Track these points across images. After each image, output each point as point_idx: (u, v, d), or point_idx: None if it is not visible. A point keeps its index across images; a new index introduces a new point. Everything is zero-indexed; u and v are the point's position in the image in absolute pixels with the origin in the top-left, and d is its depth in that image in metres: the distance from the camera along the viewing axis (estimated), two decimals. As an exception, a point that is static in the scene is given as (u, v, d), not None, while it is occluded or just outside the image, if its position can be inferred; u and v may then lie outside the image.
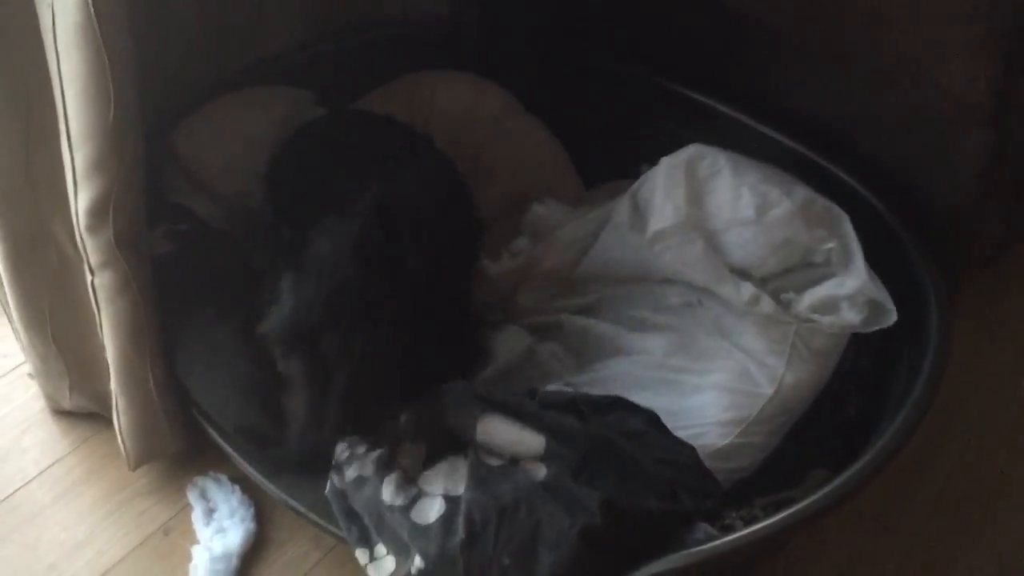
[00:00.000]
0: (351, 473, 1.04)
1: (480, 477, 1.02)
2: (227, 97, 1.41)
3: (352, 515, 1.04)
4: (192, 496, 1.27)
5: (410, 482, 1.04)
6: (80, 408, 1.35)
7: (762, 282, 1.20)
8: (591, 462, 1.01)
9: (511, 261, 1.38)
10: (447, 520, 0.99)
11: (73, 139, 1.01)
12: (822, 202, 1.22)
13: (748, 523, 0.99)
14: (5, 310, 1.28)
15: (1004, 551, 1.28)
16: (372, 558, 1.02)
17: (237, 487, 1.27)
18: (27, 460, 1.34)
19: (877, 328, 1.14)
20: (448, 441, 1.07)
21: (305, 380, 1.02)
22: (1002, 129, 1.18)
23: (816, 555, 1.24)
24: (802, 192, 1.22)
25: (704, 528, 0.98)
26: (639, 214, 1.27)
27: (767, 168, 1.25)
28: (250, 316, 1.16)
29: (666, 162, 1.27)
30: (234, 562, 1.19)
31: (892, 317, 1.13)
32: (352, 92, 1.57)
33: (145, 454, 1.25)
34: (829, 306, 1.16)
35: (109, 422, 1.29)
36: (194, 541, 1.22)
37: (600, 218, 1.33)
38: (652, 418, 1.08)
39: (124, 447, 1.23)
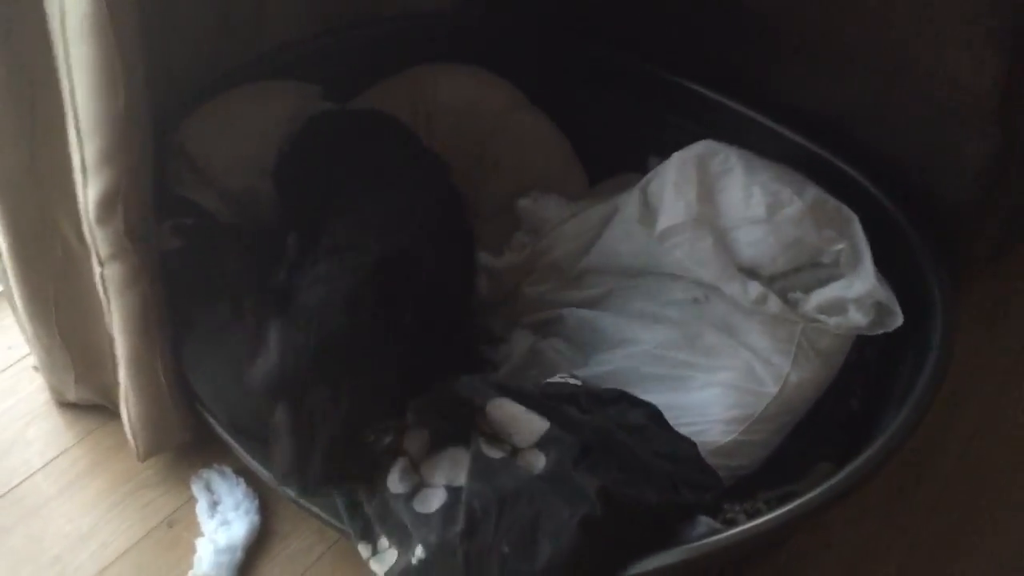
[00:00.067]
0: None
1: (481, 468, 1.02)
2: (234, 91, 1.41)
3: (356, 509, 1.04)
4: (196, 488, 1.27)
5: (414, 470, 1.04)
6: (85, 400, 1.36)
7: (770, 281, 1.20)
8: (591, 453, 1.02)
9: (515, 256, 1.38)
10: (448, 510, 0.99)
11: (82, 130, 1.01)
12: (832, 202, 1.22)
13: (751, 517, 1.00)
14: (10, 302, 1.28)
15: (1007, 547, 1.28)
16: (375, 552, 1.02)
17: (242, 480, 1.27)
18: (32, 452, 1.34)
19: (883, 331, 1.14)
20: (451, 431, 1.07)
21: (290, 430, 0.98)
22: (1008, 126, 1.18)
23: (820, 549, 1.24)
24: (813, 192, 1.22)
25: (707, 522, 0.98)
26: (648, 209, 1.28)
27: (778, 166, 1.25)
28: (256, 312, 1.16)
29: (677, 157, 1.27)
30: (238, 555, 1.19)
31: (898, 320, 1.13)
32: (357, 85, 1.58)
33: (154, 446, 1.25)
34: (836, 307, 1.16)
35: (114, 414, 1.30)
36: (198, 533, 1.22)
37: (607, 211, 1.34)
38: (653, 412, 1.08)
39: (133, 439, 1.24)
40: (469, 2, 1.70)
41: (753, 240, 1.20)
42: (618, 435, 1.04)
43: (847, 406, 1.17)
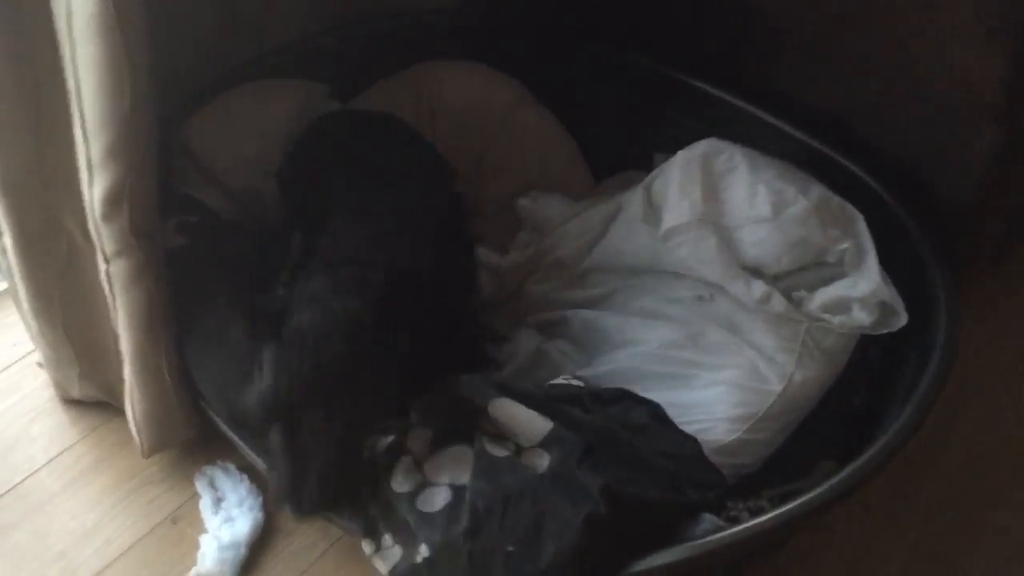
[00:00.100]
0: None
1: (484, 467, 1.02)
2: (239, 89, 1.42)
3: (359, 506, 1.03)
4: (200, 485, 1.28)
5: (417, 469, 1.04)
6: (89, 397, 1.36)
7: (774, 280, 1.20)
8: (594, 452, 1.02)
9: (519, 255, 1.39)
10: (452, 509, 0.99)
11: (88, 129, 1.02)
12: (837, 201, 1.21)
13: (754, 515, 1.00)
14: (15, 299, 1.28)
15: (1009, 547, 1.28)
16: (379, 548, 1.02)
17: (245, 476, 1.27)
18: (36, 448, 1.35)
19: (887, 331, 1.14)
20: (454, 429, 1.08)
21: (284, 453, 0.98)
22: (1011, 126, 1.18)
23: (823, 547, 1.24)
24: (818, 191, 1.22)
25: (710, 519, 0.98)
26: (653, 207, 1.28)
27: (782, 165, 1.25)
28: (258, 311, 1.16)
29: (681, 156, 1.27)
30: (242, 551, 1.20)
31: (902, 320, 1.13)
32: (360, 83, 1.58)
33: (158, 442, 1.25)
34: (840, 306, 1.16)
35: (118, 411, 1.30)
36: (202, 530, 1.23)
37: (611, 210, 1.34)
38: (655, 411, 1.09)
39: (137, 435, 1.24)
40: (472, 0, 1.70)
41: (758, 239, 1.20)
42: (621, 434, 1.04)
43: (851, 405, 1.17)
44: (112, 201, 1.05)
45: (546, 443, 1.03)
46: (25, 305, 1.25)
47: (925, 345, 1.12)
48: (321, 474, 0.96)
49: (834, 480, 0.98)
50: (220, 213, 1.34)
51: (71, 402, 1.39)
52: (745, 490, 1.06)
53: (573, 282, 1.35)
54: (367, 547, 1.03)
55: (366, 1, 1.64)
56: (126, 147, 1.02)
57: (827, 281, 1.19)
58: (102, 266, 1.12)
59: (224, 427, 1.16)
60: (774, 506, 0.99)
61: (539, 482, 0.99)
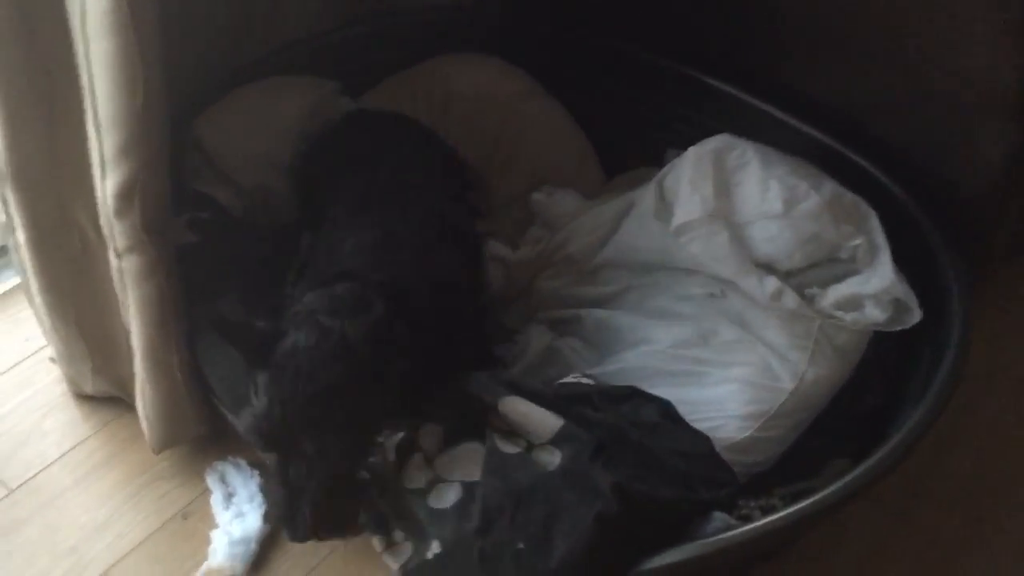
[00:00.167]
0: (372, 459, 1.05)
1: (496, 464, 1.02)
2: (251, 86, 1.42)
3: (370, 502, 1.04)
4: (211, 481, 1.28)
5: (429, 466, 1.04)
6: (101, 392, 1.36)
7: (786, 276, 1.20)
8: (605, 450, 1.02)
9: (530, 250, 1.38)
10: (463, 506, 1.00)
11: (101, 124, 1.02)
12: (850, 197, 1.21)
13: (766, 513, 1.00)
14: (28, 294, 1.29)
15: (1023, 544, 1.27)
16: (390, 544, 1.02)
17: (256, 472, 1.27)
18: (48, 443, 1.35)
19: (900, 328, 1.14)
20: (465, 426, 1.08)
21: (280, 478, 0.97)
22: (1025, 121, 1.18)
23: (835, 545, 1.23)
24: (830, 186, 1.21)
25: (722, 517, 0.98)
26: (664, 203, 1.27)
27: (795, 161, 1.25)
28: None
29: (693, 151, 1.26)
30: (252, 546, 1.20)
31: (916, 317, 1.13)
32: (373, 79, 1.58)
33: (169, 438, 1.26)
34: (853, 303, 1.16)
35: (130, 406, 1.31)
36: (213, 525, 1.23)
37: (623, 206, 1.33)
38: (666, 408, 1.08)
39: (148, 430, 1.24)
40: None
41: (770, 235, 1.20)
42: (632, 432, 1.04)
43: (863, 402, 1.17)
44: (124, 197, 1.05)
45: (557, 440, 1.03)
46: (38, 300, 1.25)
47: (938, 342, 1.11)
48: (314, 502, 0.95)
49: (846, 479, 0.97)
50: (231, 210, 1.34)
51: (83, 397, 1.40)
52: (757, 488, 1.06)
53: (584, 278, 1.35)
54: (378, 543, 1.03)
55: (378, -3, 1.64)
56: (138, 143, 1.02)
57: (840, 278, 1.18)
58: (114, 261, 1.12)
59: (235, 423, 1.17)
60: (786, 504, 0.99)
61: (550, 479, 0.99)
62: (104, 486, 1.30)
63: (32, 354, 1.47)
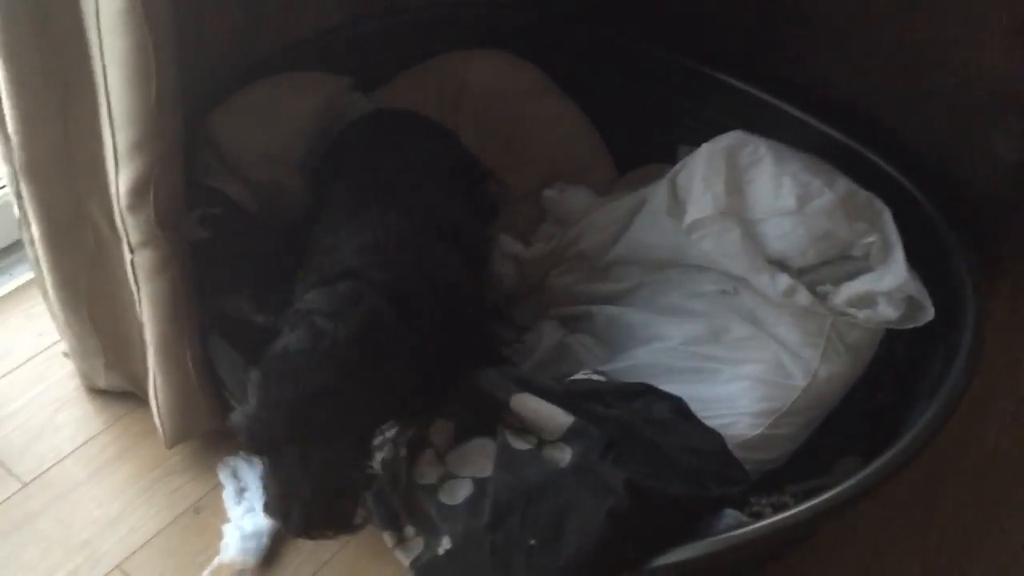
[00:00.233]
0: (384, 454, 1.05)
1: (507, 460, 1.02)
2: (263, 82, 1.42)
3: (381, 497, 1.04)
4: (223, 475, 1.28)
5: (440, 461, 1.04)
6: (114, 387, 1.37)
7: (799, 273, 1.19)
8: (616, 446, 1.02)
9: (543, 246, 1.38)
10: (474, 502, 1.00)
11: (115, 119, 1.02)
12: (863, 194, 1.20)
13: (777, 510, 1.00)
14: (42, 289, 1.29)
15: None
16: (400, 540, 1.03)
17: (268, 467, 1.28)
18: (62, 437, 1.35)
19: (913, 326, 1.13)
20: (476, 422, 1.08)
21: (271, 480, 0.96)
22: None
23: (846, 543, 1.23)
24: (844, 183, 1.21)
25: (733, 515, 0.98)
26: (677, 200, 1.27)
27: (808, 157, 1.24)
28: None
29: (706, 148, 1.26)
30: (264, 541, 1.20)
31: (929, 315, 1.12)
32: (385, 74, 1.58)
33: (181, 432, 1.26)
34: (866, 300, 1.15)
35: (143, 401, 1.31)
36: (225, 520, 1.23)
37: (635, 202, 1.33)
38: (678, 405, 1.08)
39: (161, 425, 1.25)
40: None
41: (782, 232, 1.19)
42: (643, 429, 1.04)
43: (876, 400, 1.17)
44: (138, 192, 1.06)
45: (568, 437, 1.03)
46: (51, 295, 1.26)
47: (951, 340, 1.11)
48: (305, 504, 0.94)
49: (858, 477, 0.97)
50: (244, 205, 1.34)
51: (96, 392, 1.40)
52: (768, 485, 1.06)
53: (596, 275, 1.35)
54: (389, 539, 1.03)
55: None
56: (152, 139, 1.03)
57: (853, 275, 1.18)
58: (127, 256, 1.13)
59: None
60: (797, 502, 0.99)
61: (561, 476, 0.99)
62: (117, 480, 1.30)
63: (46, 349, 1.47)
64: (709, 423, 1.07)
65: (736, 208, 1.21)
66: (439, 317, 1.08)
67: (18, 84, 1.03)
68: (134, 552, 1.22)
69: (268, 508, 0.97)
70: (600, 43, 1.58)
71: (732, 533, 0.95)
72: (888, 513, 1.26)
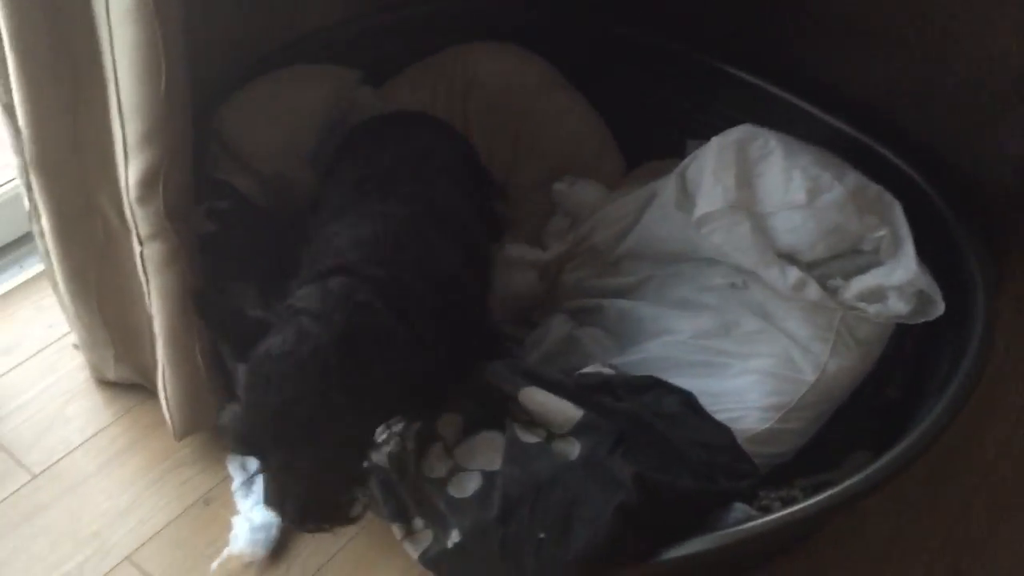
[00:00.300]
0: (392, 448, 1.05)
1: (516, 454, 1.02)
2: (272, 75, 1.42)
3: (390, 490, 1.04)
4: (232, 467, 1.28)
5: (449, 455, 1.04)
6: (124, 379, 1.37)
7: (809, 267, 1.19)
8: (626, 440, 1.02)
9: (561, 245, 1.38)
10: (484, 495, 1.00)
11: (125, 111, 1.02)
12: (874, 188, 1.20)
13: (787, 504, 1.00)
14: (51, 281, 1.29)
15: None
16: (409, 532, 1.03)
17: (277, 459, 1.28)
18: (71, 429, 1.36)
19: (924, 320, 1.13)
20: (485, 415, 1.08)
21: (265, 476, 0.95)
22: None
23: (855, 537, 1.23)
24: (854, 177, 1.20)
25: (742, 508, 0.98)
26: (687, 194, 1.27)
27: (818, 151, 1.24)
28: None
29: (716, 142, 1.26)
30: (273, 532, 1.20)
31: (939, 309, 1.12)
32: (395, 67, 1.58)
33: (190, 424, 1.26)
34: (876, 295, 1.15)
35: (152, 393, 1.31)
36: (234, 511, 1.23)
37: (646, 196, 1.33)
38: (688, 399, 1.08)
39: (170, 417, 1.25)
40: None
41: (792, 226, 1.19)
42: (653, 422, 1.04)
43: (885, 395, 1.16)
44: (147, 184, 1.06)
45: (577, 431, 1.03)
46: (61, 287, 1.26)
47: (962, 335, 1.11)
48: (297, 501, 0.93)
49: (867, 471, 0.97)
50: (252, 199, 1.34)
51: (106, 384, 1.40)
52: (778, 479, 1.06)
53: (607, 269, 1.35)
54: (398, 531, 1.03)
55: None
56: (161, 131, 1.03)
57: (863, 269, 1.18)
58: (137, 249, 1.13)
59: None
60: (806, 496, 0.99)
61: (571, 469, 0.99)
62: (126, 472, 1.31)
63: (55, 341, 1.47)
64: (718, 417, 1.07)
65: (746, 202, 1.21)
66: (438, 313, 1.05)
67: (28, 77, 1.03)
68: (143, 544, 1.22)
69: (266, 501, 0.97)
70: (609, 36, 1.58)
71: (741, 527, 0.95)
72: (896, 507, 1.26)
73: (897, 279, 1.13)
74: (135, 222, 1.10)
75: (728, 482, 1.01)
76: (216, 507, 1.26)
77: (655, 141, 1.53)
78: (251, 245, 1.27)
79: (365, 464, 1.02)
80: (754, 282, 1.21)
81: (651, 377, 1.11)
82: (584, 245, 1.36)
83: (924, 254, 1.15)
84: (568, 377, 1.10)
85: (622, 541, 0.93)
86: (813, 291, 1.15)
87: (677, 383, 1.10)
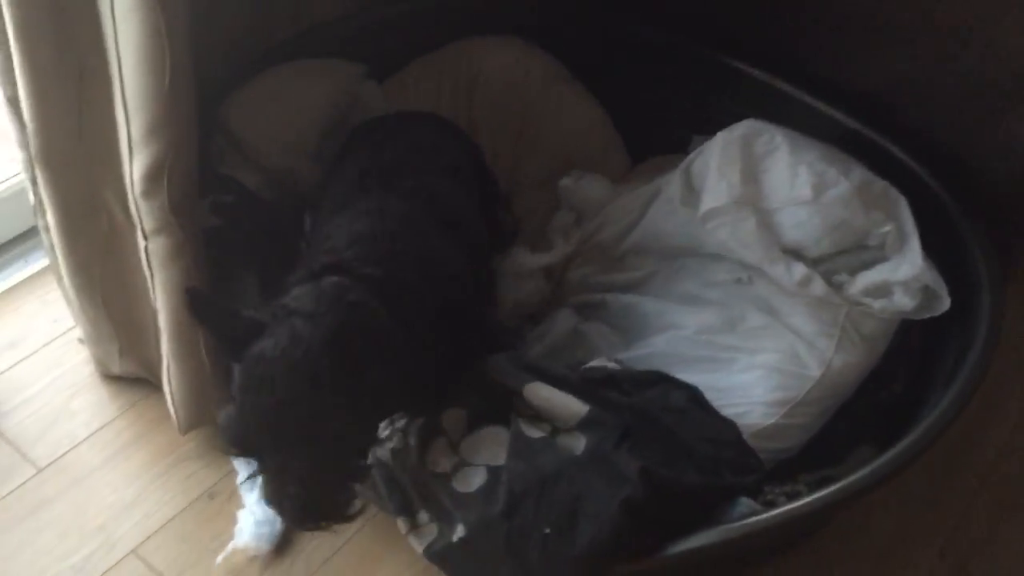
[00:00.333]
0: (395, 444, 1.05)
1: (521, 448, 1.02)
2: (277, 69, 1.41)
3: (394, 484, 1.04)
4: (237, 461, 1.28)
5: (453, 449, 1.04)
6: (128, 373, 1.37)
7: (814, 263, 1.19)
8: (631, 435, 1.02)
9: (568, 244, 1.38)
10: (489, 490, 1.00)
11: (129, 105, 1.02)
12: (880, 183, 1.20)
13: (791, 499, 1.00)
14: (57, 275, 1.30)
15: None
16: (414, 526, 1.03)
17: (282, 454, 1.28)
18: (77, 423, 1.36)
19: (929, 315, 1.13)
20: (489, 410, 1.08)
21: (261, 475, 0.94)
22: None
23: (860, 532, 1.23)
24: (860, 172, 1.20)
25: (747, 503, 0.98)
26: (691, 189, 1.27)
27: (824, 146, 1.24)
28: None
29: (721, 137, 1.26)
30: (278, 526, 1.21)
31: (945, 305, 1.12)
32: (400, 61, 1.58)
33: (195, 419, 1.26)
34: (882, 290, 1.15)
35: (157, 387, 1.31)
36: (239, 505, 1.24)
37: (651, 192, 1.33)
38: (694, 394, 1.08)
39: (175, 411, 1.25)
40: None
41: (798, 221, 1.19)
42: (659, 417, 1.04)
43: (890, 390, 1.16)
44: (152, 178, 1.06)
45: (582, 425, 1.03)
46: (66, 282, 1.26)
47: (967, 331, 1.11)
48: (295, 501, 0.93)
49: (872, 466, 0.97)
50: (257, 193, 1.34)
51: (111, 378, 1.41)
52: (782, 474, 1.06)
53: (612, 264, 1.35)
54: (403, 525, 1.03)
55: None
56: (166, 124, 1.03)
57: (868, 265, 1.18)
58: (141, 243, 1.13)
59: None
60: (811, 491, 0.99)
61: (576, 464, 0.99)
62: (132, 466, 1.31)
63: (61, 335, 1.48)
64: (724, 412, 1.07)
65: (751, 197, 1.21)
66: (436, 312, 1.04)
67: (33, 71, 1.03)
68: (149, 537, 1.22)
69: (264, 498, 0.97)
70: (614, 31, 1.58)
71: (746, 521, 0.95)
72: (902, 502, 1.26)
73: (903, 274, 1.13)
74: (140, 216, 1.10)
75: (733, 477, 1.01)
76: (221, 501, 1.26)
77: (659, 136, 1.53)
78: (255, 239, 1.27)
79: (365, 462, 1.01)
80: (759, 277, 1.21)
81: (657, 372, 1.11)
82: (591, 242, 1.36)
83: (930, 249, 1.15)
84: (573, 372, 1.10)
85: (627, 535, 0.93)
86: (818, 287, 1.15)
87: (683, 378, 1.10)
